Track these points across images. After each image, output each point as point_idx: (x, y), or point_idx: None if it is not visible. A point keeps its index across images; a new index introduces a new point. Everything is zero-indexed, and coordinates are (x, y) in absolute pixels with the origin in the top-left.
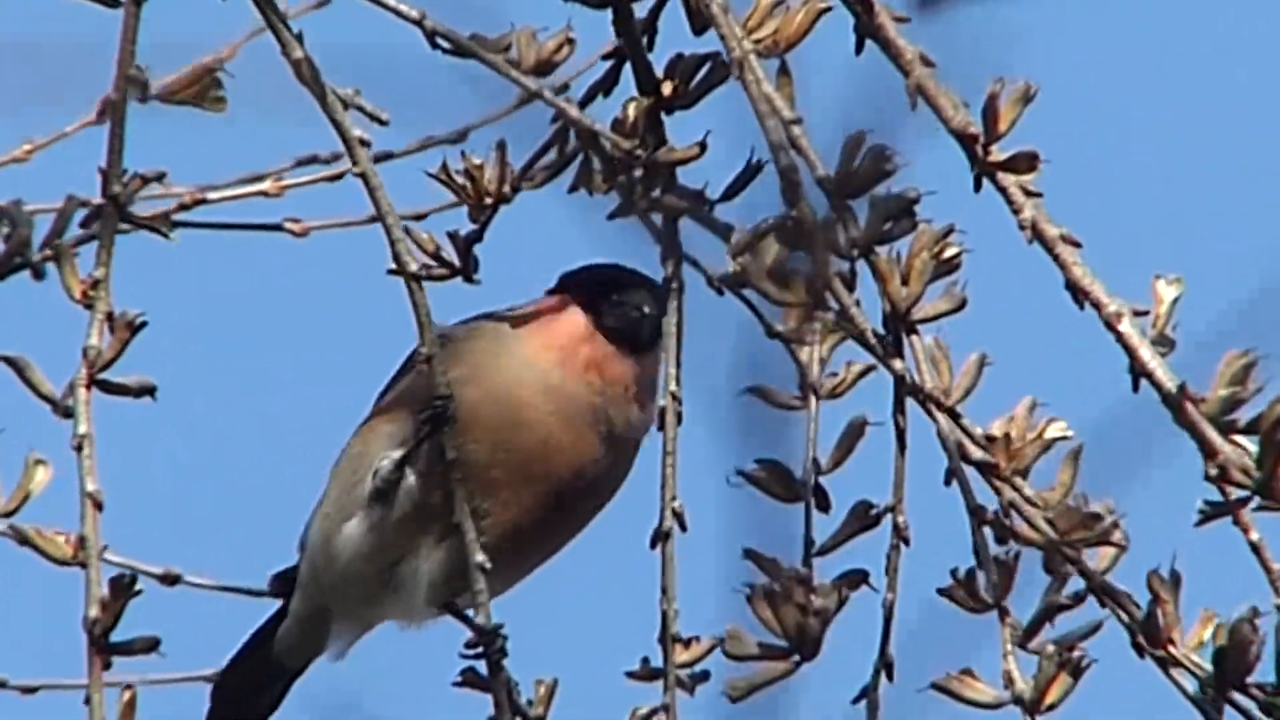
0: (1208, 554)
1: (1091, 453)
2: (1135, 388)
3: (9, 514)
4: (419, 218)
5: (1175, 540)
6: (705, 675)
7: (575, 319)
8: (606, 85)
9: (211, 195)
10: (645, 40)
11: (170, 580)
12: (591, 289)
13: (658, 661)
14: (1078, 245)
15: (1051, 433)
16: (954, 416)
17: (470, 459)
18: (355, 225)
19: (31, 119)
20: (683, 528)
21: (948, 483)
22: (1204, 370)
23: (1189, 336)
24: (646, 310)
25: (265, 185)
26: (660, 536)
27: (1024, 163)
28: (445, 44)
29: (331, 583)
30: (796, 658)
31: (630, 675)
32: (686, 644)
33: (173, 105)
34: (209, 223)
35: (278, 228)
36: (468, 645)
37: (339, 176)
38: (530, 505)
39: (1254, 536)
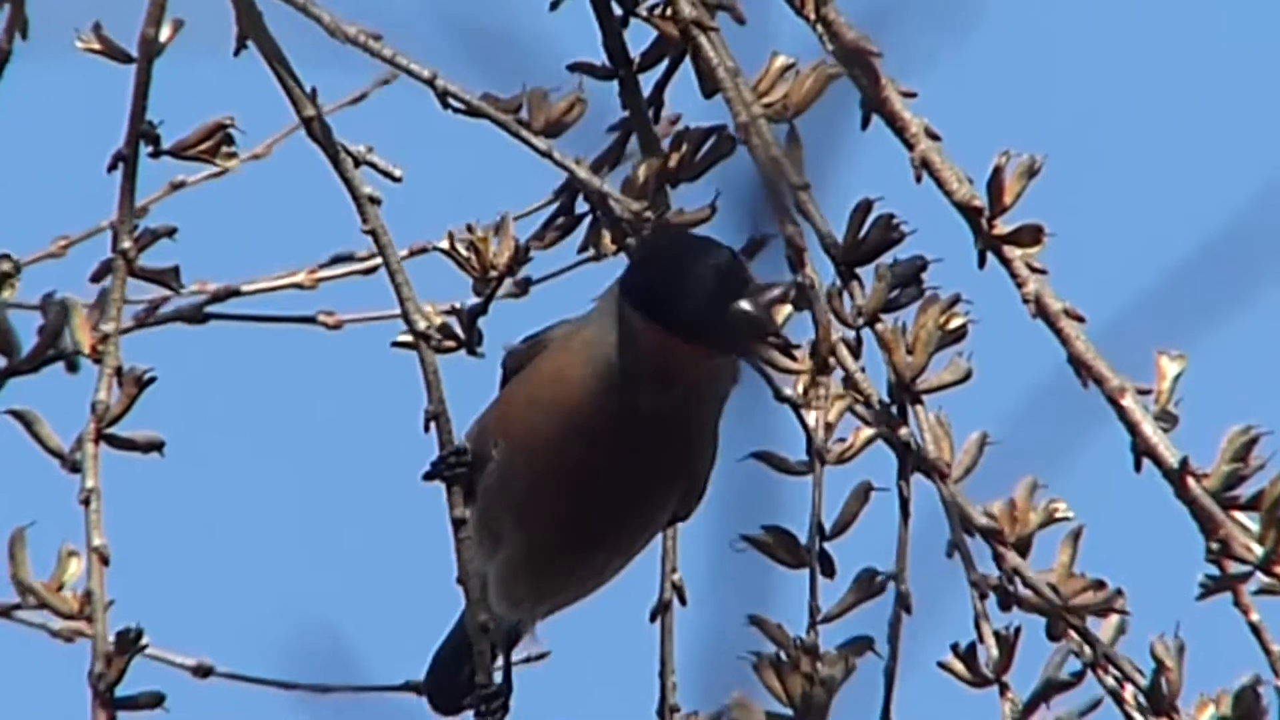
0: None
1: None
2: (1137, 466)
3: (43, 605)
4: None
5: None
6: None
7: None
8: (612, 158)
9: (245, 287)
10: (651, 112)
11: (203, 673)
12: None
13: None
14: (1081, 320)
15: (1036, 518)
16: None
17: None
18: (391, 318)
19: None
20: (682, 601)
21: (950, 554)
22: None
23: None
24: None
25: (299, 278)
26: (660, 609)
27: (1028, 236)
28: (456, 103)
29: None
30: None
31: None
32: (686, 718)
33: (185, 161)
34: (243, 315)
35: (311, 320)
36: (467, 705)
37: (374, 270)
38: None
39: (1254, 618)
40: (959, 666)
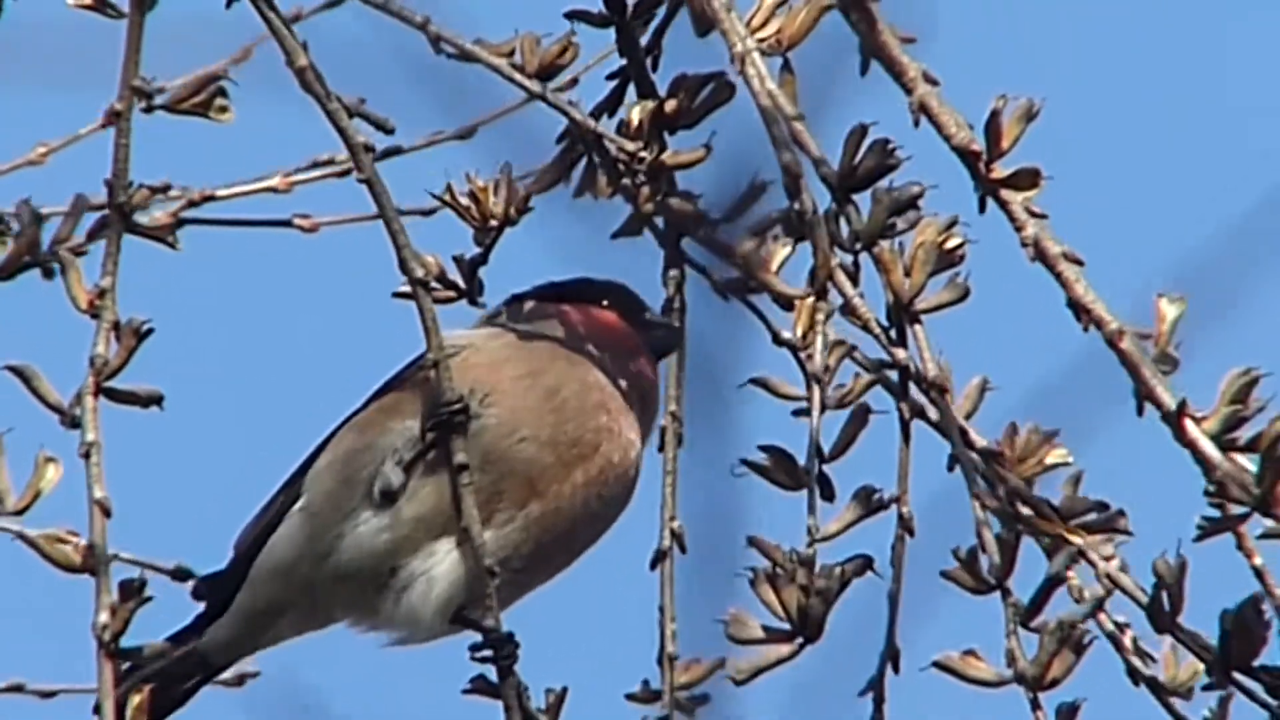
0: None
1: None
2: (1139, 410)
3: (20, 512)
4: (426, 214)
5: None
6: (705, 698)
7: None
8: (610, 105)
9: (221, 192)
10: (649, 60)
11: (181, 576)
12: (627, 307)
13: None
14: (1080, 263)
15: (1052, 458)
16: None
17: (521, 454)
18: (365, 220)
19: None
20: (682, 549)
21: (950, 468)
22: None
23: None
24: (674, 327)
25: (274, 181)
26: (659, 556)
27: (1026, 179)
28: (449, 48)
29: (307, 581)
30: (800, 640)
31: (629, 698)
32: (686, 666)
33: (178, 115)
34: (218, 219)
35: (286, 224)
36: (475, 649)
37: (346, 173)
38: (569, 506)
39: (1258, 562)
40: (962, 575)
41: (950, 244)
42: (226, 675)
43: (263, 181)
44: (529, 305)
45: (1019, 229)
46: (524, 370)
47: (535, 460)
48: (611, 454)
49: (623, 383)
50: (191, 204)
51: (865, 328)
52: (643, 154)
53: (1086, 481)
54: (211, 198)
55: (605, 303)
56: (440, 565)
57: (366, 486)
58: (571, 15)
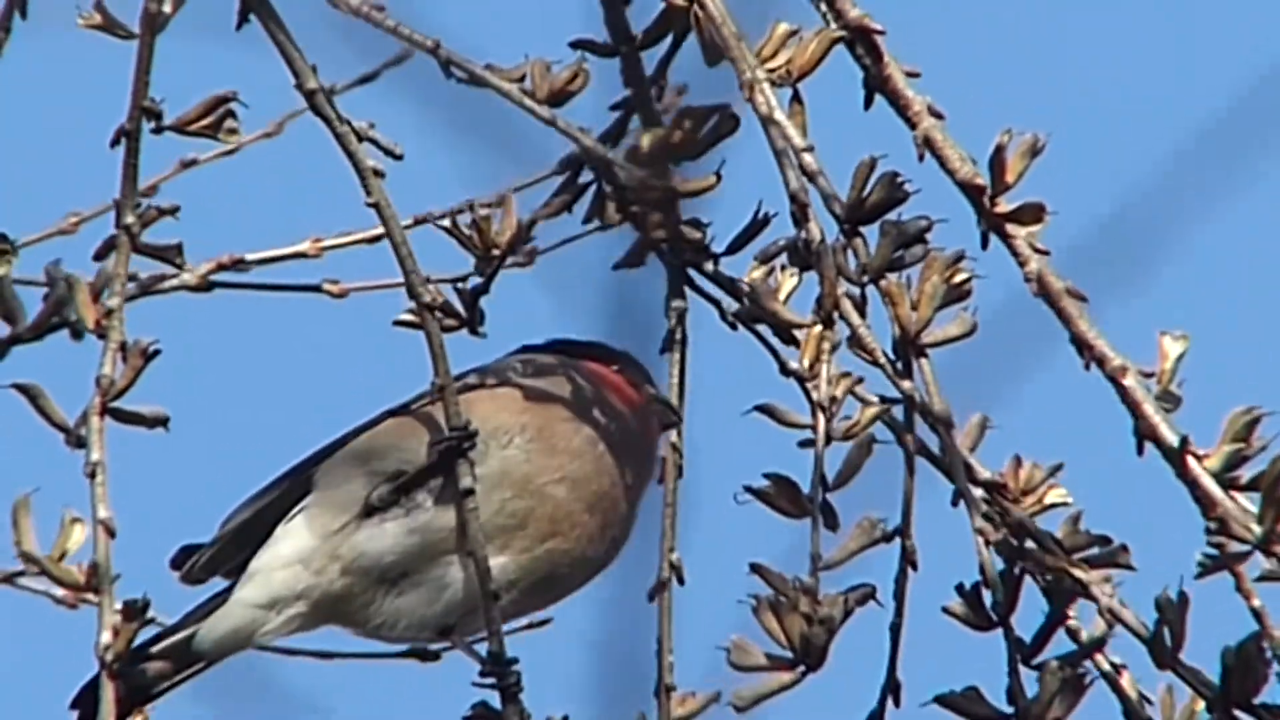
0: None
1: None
2: (1139, 450)
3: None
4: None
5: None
6: None
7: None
8: (615, 135)
9: (250, 256)
10: (654, 92)
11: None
12: (634, 376)
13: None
14: (1083, 299)
15: (1051, 498)
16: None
17: (555, 493)
18: (394, 287)
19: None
20: (680, 580)
21: (955, 503)
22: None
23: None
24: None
25: (304, 246)
26: (658, 588)
27: (1030, 214)
28: (459, 73)
29: (316, 574)
30: (802, 668)
31: None
32: (683, 698)
33: (187, 136)
34: (248, 283)
35: (316, 289)
36: (482, 675)
37: (378, 239)
38: (577, 550)
39: (1256, 603)
40: (964, 610)
41: (957, 279)
42: None
43: (292, 246)
44: (545, 358)
45: (1022, 264)
46: (570, 415)
47: (564, 502)
48: (617, 514)
49: (630, 447)
50: (221, 267)
51: (872, 360)
52: (652, 182)
53: (1086, 517)
54: (240, 261)
55: (616, 368)
56: (447, 581)
57: (366, 499)
58: (577, 44)
